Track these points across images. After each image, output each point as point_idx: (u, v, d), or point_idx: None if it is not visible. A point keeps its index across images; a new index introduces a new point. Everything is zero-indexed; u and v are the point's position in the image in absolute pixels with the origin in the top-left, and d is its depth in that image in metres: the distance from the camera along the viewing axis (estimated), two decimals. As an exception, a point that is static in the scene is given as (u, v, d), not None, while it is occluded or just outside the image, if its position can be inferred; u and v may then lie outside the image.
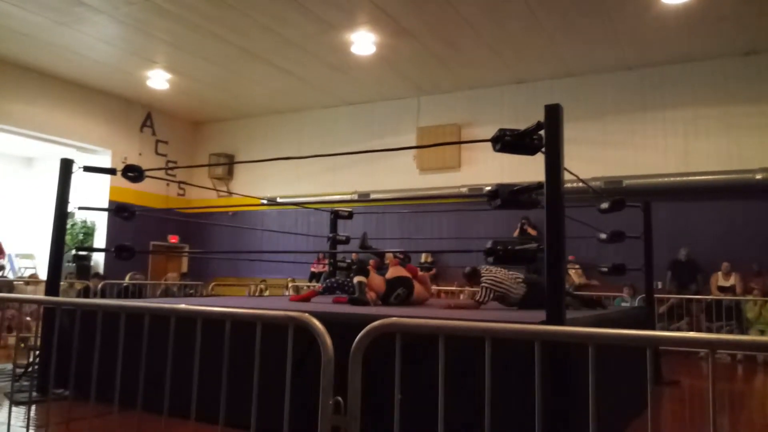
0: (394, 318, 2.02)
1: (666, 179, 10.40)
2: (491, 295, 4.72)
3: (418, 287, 5.48)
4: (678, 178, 10.35)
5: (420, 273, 5.83)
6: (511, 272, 4.89)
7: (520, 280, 4.78)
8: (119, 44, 11.05)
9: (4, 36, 10.66)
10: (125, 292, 9.78)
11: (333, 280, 6.38)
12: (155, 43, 10.87)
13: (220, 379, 2.53)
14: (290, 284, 12.34)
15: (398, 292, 5.34)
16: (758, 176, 9.74)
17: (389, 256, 6.52)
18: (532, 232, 10.78)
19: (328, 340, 2.05)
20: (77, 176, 5.39)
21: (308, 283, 12.24)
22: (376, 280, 5.43)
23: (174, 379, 2.73)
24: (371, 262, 6.13)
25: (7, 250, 14.43)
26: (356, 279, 5.36)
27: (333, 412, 1.99)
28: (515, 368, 2.53)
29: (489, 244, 3.95)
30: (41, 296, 5.30)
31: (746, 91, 10.30)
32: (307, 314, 2.17)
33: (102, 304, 2.81)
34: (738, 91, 10.36)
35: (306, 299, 5.87)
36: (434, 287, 10.74)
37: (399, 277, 5.44)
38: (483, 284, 4.75)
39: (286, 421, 2.29)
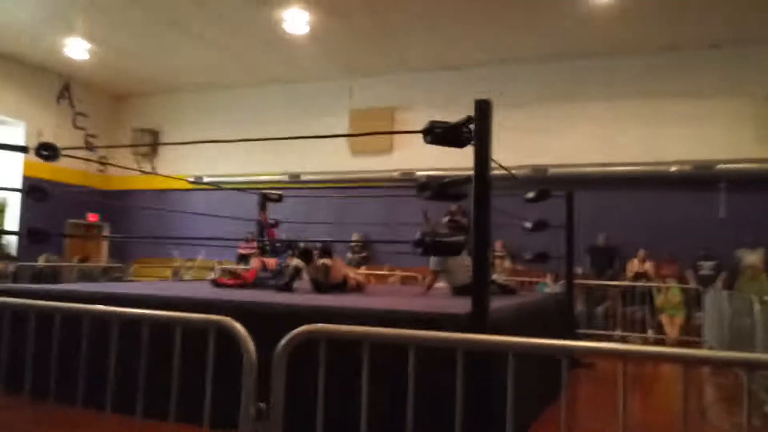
0: (319, 324, 2.00)
1: (589, 169, 10.80)
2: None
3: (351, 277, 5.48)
4: (600, 168, 10.77)
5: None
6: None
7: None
8: (34, 9, 10.33)
9: None
10: (39, 276, 9.29)
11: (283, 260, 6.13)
12: (74, 9, 10.25)
13: (137, 375, 2.45)
14: (217, 266, 12.06)
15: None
16: (673, 168, 10.28)
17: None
18: (462, 219, 10.91)
19: (251, 345, 2.00)
20: (-15, 152, 5.04)
21: (236, 266, 11.99)
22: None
23: (89, 372, 2.63)
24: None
25: None
26: (293, 262, 5.29)
27: (255, 418, 1.95)
28: (438, 369, 2.57)
29: (418, 235, 3.99)
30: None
31: (667, 86, 10.78)
32: (228, 318, 2.11)
33: (9, 303, 2.64)
34: (659, 86, 10.84)
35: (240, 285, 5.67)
36: (364, 270, 10.81)
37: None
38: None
39: (206, 416, 2.24)
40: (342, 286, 5.29)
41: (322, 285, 5.10)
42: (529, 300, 5.19)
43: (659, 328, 9.25)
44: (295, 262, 5.31)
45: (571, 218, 6.73)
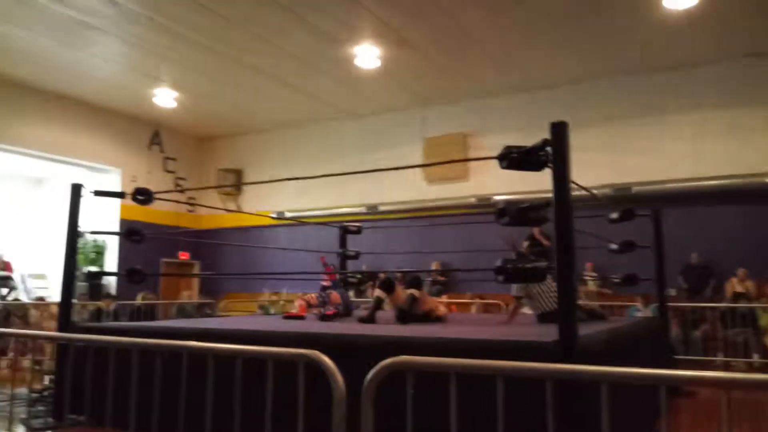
0: (405, 357, 2.01)
1: (675, 185, 10.32)
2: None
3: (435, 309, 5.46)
4: (687, 183, 10.27)
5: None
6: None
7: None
8: (126, 63, 11.16)
9: (13, 58, 10.79)
10: (137, 313, 9.82)
11: (325, 293, 6.35)
12: (161, 61, 10.97)
13: (232, 409, 2.54)
14: (298, 299, 12.30)
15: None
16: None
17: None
18: (545, 242, 10.68)
19: (340, 379, 2.04)
20: (88, 197, 5.43)
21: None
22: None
23: (188, 407, 2.74)
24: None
25: (18, 270, 14.54)
26: (376, 292, 5.35)
27: (346, 450, 1.98)
28: (528, 401, 2.51)
29: (499, 262, 3.94)
30: (55, 333, 5.33)
31: (753, 94, 10.23)
32: (317, 352, 2.17)
33: (114, 341, 2.83)
34: (744, 94, 10.29)
35: (299, 317, 5.90)
36: (445, 299, 10.72)
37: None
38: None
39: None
40: (426, 317, 5.28)
41: (407, 315, 5.10)
42: (619, 325, 4.98)
43: (765, 352, 8.60)
44: (377, 293, 5.35)
45: (659, 237, 6.45)
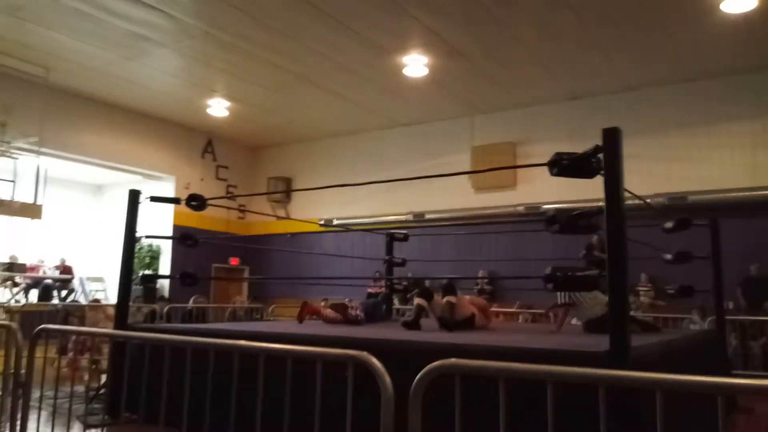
0: (454, 359, 2.01)
1: (733, 194, 9.96)
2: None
3: (479, 316, 5.41)
4: (746, 193, 9.89)
5: (482, 302, 5.80)
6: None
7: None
8: (181, 75, 11.52)
9: (75, 71, 11.29)
10: (189, 316, 10.08)
11: (368, 302, 6.46)
12: (215, 72, 11.28)
13: (281, 410, 2.58)
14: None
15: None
16: (835, 188, 9.22)
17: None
18: (602, 255, 10.41)
19: (388, 380, 2.05)
20: (144, 202, 5.63)
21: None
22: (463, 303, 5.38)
23: (238, 407, 2.80)
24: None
25: (78, 273, 15.13)
26: (416, 301, 5.35)
27: (394, 452, 1.99)
28: (579, 407, 2.47)
29: (548, 270, 3.89)
30: (112, 330, 5.53)
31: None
32: (365, 353, 2.19)
33: (169, 340, 2.92)
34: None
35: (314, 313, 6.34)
36: (492, 309, 10.60)
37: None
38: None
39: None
40: (469, 323, 5.24)
41: (448, 323, 5.08)
42: (674, 338, 4.83)
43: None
44: (417, 300, 5.35)
45: (717, 247, 6.23)
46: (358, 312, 6.07)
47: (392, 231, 8.26)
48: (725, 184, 10.11)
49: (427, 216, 12.98)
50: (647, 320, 5.88)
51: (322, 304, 6.75)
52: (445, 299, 5.20)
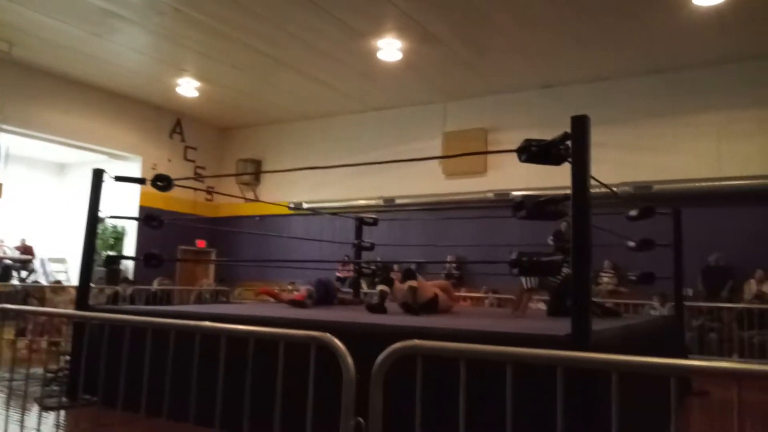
0: (416, 340, 2.02)
1: (697, 184, 10.19)
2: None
3: (442, 297, 5.44)
4: (710, 183, 10.13)
5: (443, 282, 5.81)
6: None
7: None
8: (150, 53, 11.25)
9: (40, 47, 10.94)
10: (153, 298, 9.93)
11: (320, 281, 6.40)
12: (185, 51, 11.05)
13: (243, 390, 2.56)
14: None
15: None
16: (793, 181, 9.49)
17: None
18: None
19: (350, 360, 2.05)
20: (109, 183, 5.49)
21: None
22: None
23: (199, 388, 2.77)
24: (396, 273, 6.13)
25: (39, 254, 14.78)
26: (379, 288, 5.35)
27: (354, 433, 1.99)
28: (538, 388, 2.50)
29: (513, 255, 3.92)
30: (72, 311, 5.41)
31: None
32: (328, 334, 2.18)
33: (130, 320, 2.86)
34: (771, 93, 10.09)
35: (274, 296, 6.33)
36: (459, 293, 10.69)
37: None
38: None
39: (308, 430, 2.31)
40: (433, 304, 5.27)
41: (411, 306, 5.10)
42: (634, 322, 4.94)
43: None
44: (380, 287, 5.36)
45: (679, 236, 6.37)
46: (301, 295, 6.01)
47: (362, 215, 8.24)
48: (690, 174, 10.32)
49: (397, 201, 12.99)
50: (608, 305, 5.99)
51: (289, 288, 6.72)
52: (407, 284, 5.21)
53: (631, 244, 6.16)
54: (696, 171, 10.32)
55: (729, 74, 10.44)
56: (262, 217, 14.79)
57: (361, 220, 8.05)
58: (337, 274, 12.83)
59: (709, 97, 10.57)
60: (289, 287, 7.06)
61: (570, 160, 3.45)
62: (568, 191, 3.41)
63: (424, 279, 5.55)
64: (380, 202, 13.08)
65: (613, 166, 10.01)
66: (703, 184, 10.16)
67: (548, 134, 3.75)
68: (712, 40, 9.65)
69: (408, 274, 5.32)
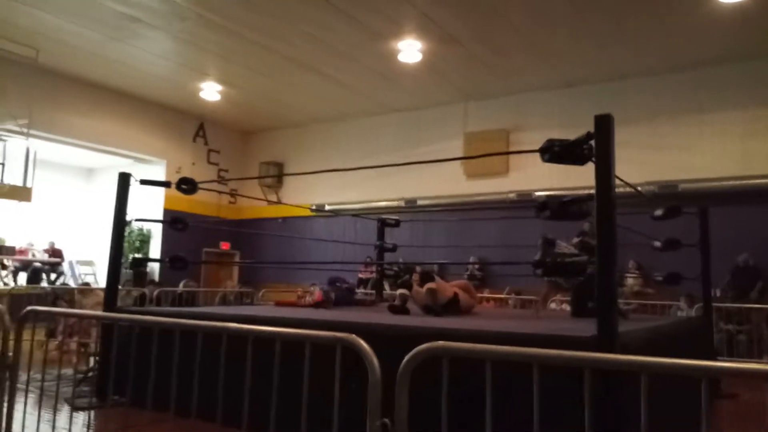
0: (442, 342, 2.02)
1: (723, 183, 10.02)
2: None
3: (463, 296, 5.43)
4: (736, 182, 9.95)
5: (463, 282, 5.81)
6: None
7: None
8: (173, 58, 11.41)
9: (66, 52, 11.15)
10: (179, 300, 10.05)
11: (336, 282, 6.48)
12: (207, 56, 11.18)
13: (270, 391, 2.58)
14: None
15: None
16: (824, 179, 9.28)
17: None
18: (592, 241, 10.46)
19: (375, 361, 2.06)
20: (135, 186, 5.59)
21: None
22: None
23: (227, 389, 2.80)
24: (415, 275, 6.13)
25: (68, 257, 15.05)
26: (399, 291, 5.37)
27: (381, 433, 2.00)
28: (565, 390, 2.49)
29: (537, 256, 3.91)
30: (100, 312, 5.51)
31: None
32: (353, 335, 2.19)
33: (158, 321, 2.91)
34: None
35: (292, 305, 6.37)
36: (482, 294, 10.65)
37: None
38: None
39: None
40: (455, 303, 5.26)
41: (433, 308, 5.10)
42: (661, 324, 4.88)
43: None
44: (401, 291, 5.36)
45: (706, 236, 6.28)
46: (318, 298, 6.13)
47: (384, 217, 8.27)
48: (715, 172, 10.15)
49: (419, 202, 12.98)
50: (625, 309, 5.93)
51: (311, 289, 6.78)
52: (425, 287, 5.21)
53: (657, 244, 6.09)
54: (721, 170, 10.15)
55: (753, 71, 10.26)
56: (285, 219, 14.89)
57: (383, 221, 8.08)
58: (360, 275, 12.87)
59: (734, 94, 10.39)
60: (311, 288, 7.11)
61: (594, 159, 3.43)
62: (591, 191, 3.39)
63: (442, 280, 5.55)
64: (402, 203, 13.08)
65: (637, 165, 9.89)
66: (730, 182, 9.99)
67: (570, 134, 3.73)
68: (736, 36, 9.49)
69: (425, 277, 5.32)
